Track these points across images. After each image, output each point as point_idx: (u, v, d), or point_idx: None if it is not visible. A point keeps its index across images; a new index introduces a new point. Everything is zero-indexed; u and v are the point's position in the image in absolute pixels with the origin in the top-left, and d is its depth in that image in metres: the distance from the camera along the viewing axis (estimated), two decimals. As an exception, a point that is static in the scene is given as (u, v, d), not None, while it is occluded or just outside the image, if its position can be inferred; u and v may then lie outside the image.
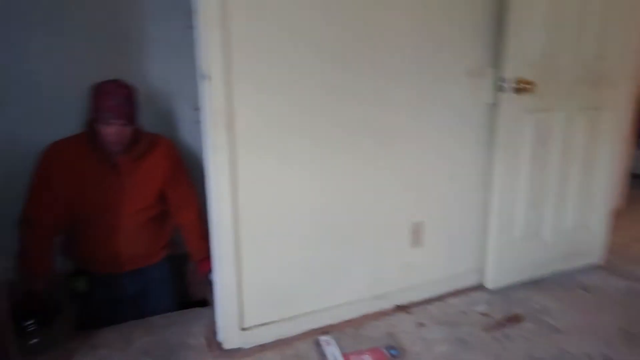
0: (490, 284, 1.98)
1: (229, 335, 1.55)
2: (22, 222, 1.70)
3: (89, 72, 1.90)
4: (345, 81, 1.56)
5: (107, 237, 1.83)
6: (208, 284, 2.05)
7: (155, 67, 2.20)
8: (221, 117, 1.36)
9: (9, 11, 1.91)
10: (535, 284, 2.02)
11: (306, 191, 1.58)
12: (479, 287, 2.00)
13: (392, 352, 1.55)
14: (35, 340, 1.57)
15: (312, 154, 1.56)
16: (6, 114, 1.96)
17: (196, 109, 2.26)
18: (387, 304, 1.83)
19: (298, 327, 1.65)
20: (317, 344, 1.59)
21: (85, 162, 1.74)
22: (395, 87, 1.66)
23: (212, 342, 1.59)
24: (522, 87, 1.77)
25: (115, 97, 1.68)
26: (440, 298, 1.93)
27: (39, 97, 1.99)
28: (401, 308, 1.85)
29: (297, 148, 1.53)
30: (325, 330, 1.68)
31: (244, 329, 1.57)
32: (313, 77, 1.50)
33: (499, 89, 1.79)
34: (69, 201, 1.74)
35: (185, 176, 2.03)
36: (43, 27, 1.98)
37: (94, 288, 1.88)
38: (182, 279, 2.23)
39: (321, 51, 1.50)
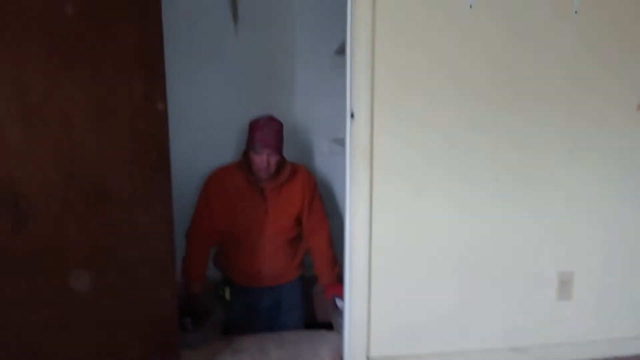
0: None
1: (355, 363, 1.58)
2: (188, 234, 2.02)
3: (247, 107, 2.22)
4: (490, 118, 1.52)
5: (250, 254, 2.05)
6: (334, 308, 2.13)
7: (299, 104, 2.43)
8: (362, 151, 1.44)
9: (190, 51, 2.32)
10: None
11: (443, 229, 1.55)
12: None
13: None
14: (190, 336, 1.83)
15: (452, 192, 1.54)
16: (182, 142, 2.36)
17: (332, 141, 2.46)
18: (525, 359, 1.65)
19: (425, 367, 1.60)
20: (445, 389, 1.52)
21: (238, 186, 2.01)
22: (545, 127, 1.55)
23: (338, 366, 1.63)
24: None
25: (266, 130, 1.93)
26: (594, 363, 1.66)
27: (209, 128, 2.36)
28: (544, 366, 1.65)
29: (435, 185, 1.53)
30: (453, 375, 1.59)
31: (370, 359, 1.58)
32: (455, 114, 1.50)
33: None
34: (223, 219, 2.02)
35: (320, 204, 2.17)
36: (213, 66, 2.35)
37: (235, 297, 2.11)
38: (309, 300, 2.36)
39: (465, 86, 1.49)
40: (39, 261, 0.98)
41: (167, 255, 1.35)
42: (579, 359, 1.67)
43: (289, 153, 2.11)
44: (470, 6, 1.42)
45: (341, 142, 1.62)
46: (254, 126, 1.96)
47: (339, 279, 2.13)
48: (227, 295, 2.12)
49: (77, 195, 1.05)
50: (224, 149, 2.27)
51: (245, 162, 2.00)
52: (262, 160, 1.92)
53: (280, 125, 2.00)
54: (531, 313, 1.65)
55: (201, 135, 2.34)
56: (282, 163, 2.02)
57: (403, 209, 1.52)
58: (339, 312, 2.02)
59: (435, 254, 1.56)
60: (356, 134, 1.43)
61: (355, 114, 1.42)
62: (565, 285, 1.63)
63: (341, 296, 2.14)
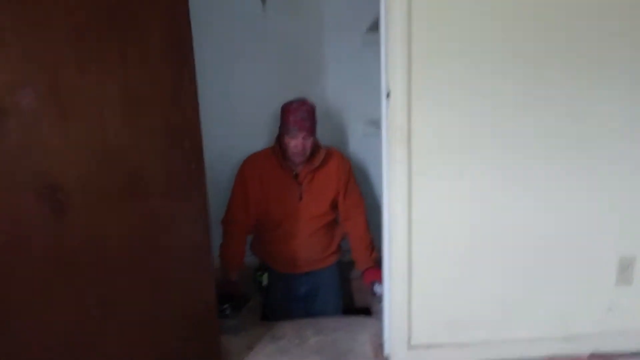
0: None
1: (396, 350, 1.53)
2: (224, 222, 2.03)
3: (278, 92, 2.17)
4: (542, 88, 1.39)
5: (286, 240, 2.03)
6: (373, 294, 2.09)
7: (331, 85, 2.36)
8: (400, 133, 1.36)
9: (219, 35, 2.28)
10: None
11: (489, 211, 1.46)
12: None
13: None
14: (229, 322, 1.85)
15: (499, 171, 1.44)
16: (214, 129, 2.36)
17: (366, 122, 2.38)
18: (580, 349, 1.55)
19: (469, 355, 1.54)
20: (492, 379, 1.45)
21: (272, 172, 1.99)
22: (608, 95, 1.40)
23: (379, 353, 1.60)
24: None
25: (299, 113, 1.89)
26: (657, 353, 1.54)
27: (240, 115, 2.35)
28: (600, 357, 1.54)
29: (479, 164, 1.43)
30: (500, 365, 1.52)
31: (411, 347, 1.54)
32: (502, 86, 1.38)
33: None
34: (258, 206, 2.01)
35: (356, 188, 2.14)
36: (242, 50, 2.30)
37: (273, 284, 2.12)
38: (347, 285, 2.33)
39: (513, 54, 1.37)
40: (80, 251, 0.99)
41: (203, 243, 1.35)
42: (638, 349, 1.56)
43: (321, 137, 2.06)
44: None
45: (376, 123, 1.55)
46: (287, 110, 1.92)
47: (376, 264, 2.10)
48: (265, 281, 2.13)
49: (114, 186, 1.05)
50: (256, 134, 2.25)
51: (278, 148, 1.98)
52: (297, 144, 1.89)
53: (313, 108, 1.95)
54: (586, 300, 1.54)
55: (233, 122, 2.33)
56: (315, 147, 1.99)
57: (445, 191, 1.43)
58: (377, 298, 1.98)
59: (480, 237, 1.47)
60: (393, 114, 1.35)
61: (392, 93, 1.34)
62: (625, 271, 1.51)
63: (379, 281, 2.11)
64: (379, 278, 2.12)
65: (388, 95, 1.35)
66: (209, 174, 2.06)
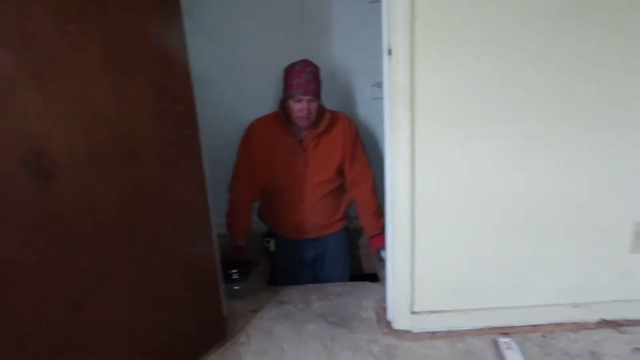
0: None
1: (399, 316, 1.53)
2: (230, 189, 2.02)
3: (282, 53, 2.10)
4: (556, 45, 1.28)
5: (293, 206, 2.02)
6: (379, 260, 2.08)
7: (337, 46, 2.26)
8: (402, 93, 1.29)
9: (226, 1, 2.21)
10: None
11: (497, 174, 1.39)
12: None
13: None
14: (237, 287, 1.88)
15: (506, 133, 1.35)
16: (217, 93, 2.31)
17: (374, 85, 2.29)
18: (589, 316, 1.51)
19: (473, 322, 1.52)
20: (495, 345, 1.43)
21: (277, 137, 1.94)
22: (628, 54, 1.29)
23: (382, 319, 1.60)
24: None
25: (303, 75, 1.82)
26: (670, 321, 1.49)
27: (243, 77, 2.28)
28: (610, 324, 1.50)
29: (487, 126, 1.35)
30: (505, 331, 1.50)
31: (414, 312, 1.53)
32: (512, 43, 1.28)
33: None
34: (264, 172, 1.98)
35: (363, 153, 2.07)
36: (247, 15, 2.23)
37: (280, 249, 2.12)
38: (355, 252, 2.33)
39: (525, 7, 1.26)
40: (71, 219, 0.98)
41: (201, 210, 1.35)
42: (650, 317, 1.51)
43: (328, 100, 2.00)
44: None
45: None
46: (290, 72, 1.85)
47: (383, 231, 2.09)
48: (272, 247, 2.14)
49: (103, 152, 1.03)
50: (261, 98, 2.20)
51: (282, 112, 1.92)
52: (302, 107, 1.83)
53: (317, 70, 1.88)
54: (598, 267, 1.48)
55: (237, 86, 2.28)
56: (321, 111, 1.92)
57: (450, 155, 1.37)
58: (383, 264, 1.97)
59: (486, 203, 1.42)
60: (394, 73, 1.27)
61: (393, 50, 1.26)
62: (641, 237, 1.44)
63: (385, 248, 2.10)
64: (384, 245, 2.11)
65: (390, 52, 1.27)
66: (213, 139, 2.05)
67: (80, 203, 0.99)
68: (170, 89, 1.16)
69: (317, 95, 1.85)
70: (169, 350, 1.31)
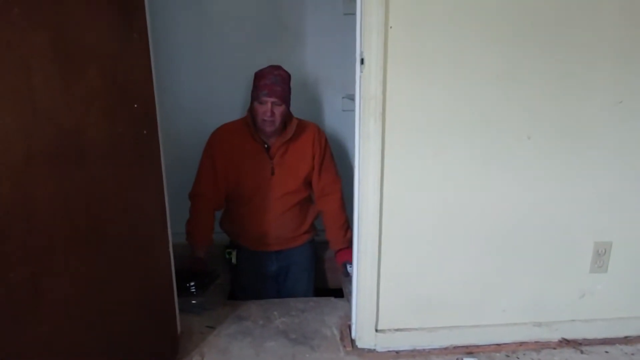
0: None
1: (363, 334, 1.48)
2: (190, 195, 1.92)
3: (254, 60, 2.04)
4: (524, 64, 1.30)
5: (257, 216, 1.94)
6: (345, 275, 2.03)
7: (310, 56, 2.24)
8: (373, 103, 1.26)
9: (197, 6, 2.14)
10: None
11: (463, 193, 1.39)
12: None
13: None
14: (194, 301, 1.77)
15: (475, 150, 1.35)
16: (187, 100, 2.23)
17: (345, 97, 2.27)
18: (551, 335, 1.52)
19: (438, 341, 1.49)
20: (460, 365, 1.41)
21: (243, 144, 1.87)
22: (591, 74, 1.33)
23: (346, 336, 1.54)
24: None
25: (270, 77, 1.78)
26: (627, 341, 1.52)
27: (213, 84, 2.21)
28: (570, 343, 1.51)
29: (456, 142, 1.34)
30: (470, 350, 1.48)
31: (378, 330, 1.48)
32: (482, 59, 1.29)
33: None
34: (228, 180, 1.90)
35: (331, 163, 2.03)
36: (220, 19, 2.16)
37: (242, 261, 2.03)
38: (320, 265, 2.27)
39: (494, 26, 1.27)
40: (5, 222, 0.87)
41: (157, 216, 1.25)
42: (610, 337, 1.53)
43: (298, 110, 1.95)
44: None
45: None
46: (259, 74, 1.82)
47: (350, 245, 2.04)
48: (234, 259, 2.04)
49: (45, 149, 0.93)
50: (230, 105, 2.14)
51: (250, 118, 1.86)
52: (266, 110, 1.76)
53: (286, 75, 1.83)
54: (560, 286, 1.49)
55: (206, 92, 2.20)
56: (289, 118, 1.87)
57: (419, 169, 1.35)
58: (350, 279, 1.92)
59: (453, 219, 1.40)
60: (366, 83, 1.25)
61: (366, 59, 1.23)
62: (600, 257, 1.46)
63: (351, 262, 2.05)
64: (351, 259, 2.06)
65: (362, 61, 1.24)
66: (178, 143, 1.96)
67: (13, 206, 0.89)
68: (127, 86, 1.07)
69: (283, 99, 1.79)
70: (113, 371, 1.20)
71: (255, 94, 1.79)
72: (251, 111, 1.84)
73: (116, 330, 1.18)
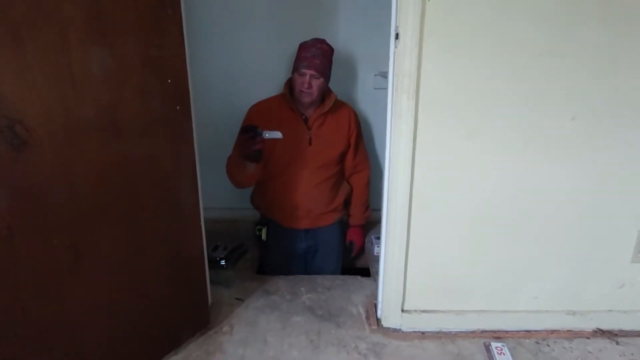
0: None
1: (389, 313, 1.48)
2: (227, 163, 1.89)
3: (285, 37, 2.03)
4: (572, 42, 1.21)
5: (291, 188, 1.94)
6: (349, 250, 2.11)
7: (342, 31, 2.18)
8: (407, 80, 1.22)
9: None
10: None
11: (497, 174, 1.33)
12: None
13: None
14: (224, 274, 1.82)
15: (511, 131, 1.29)
16: (219, 75, 2.24)
17: (378, 74, 2.21)
18: (585, 324, 1.47)
19: (465, 324, 1.47)
20: (487, 349, 1.39)
21: (281, 114, 1.88)
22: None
23: (371, 315, 1.55)
24: None
25: (311, 50, 1.78)
26: (667, 335, 1.45)
27: (244, 60, 2.20)
28: (605, 333, 1.46)
29: (493, 123, 1.28)
30: (498, 335, 1.45)
31: (404, 311, 1.47)
32: (526, 35, 1.21)
33: None
34: (264, 147, 1.88)
35: (362, 143, 2.08)
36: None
37: (272, 238, 2.06)
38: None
39: (537, 3, 1.19)
40: (46, 191, 0.92)
41: (189, 189, 1.28)
42: (645, 328, 1.47)
43: (329, 86, 1.93)
44: None
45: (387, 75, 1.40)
46: (302, 46, 1.83)
47: (363, 226, 2.14)
48: (264, 236, 2.08)
49: (83, 123, 0.96)
50: (261, 82, 2.13)
51: (288, 92, 1.88)
52: (304, 81, 1.78)
53: (329, 49, 1.84)
54: (597, 275, 1.43)
55: (237, 68, 2.20)
56: (327, 92, 1.90)
57: (452, 149, 1.31)
58: (375, 258, 1.92)
59: (486, 203, 1.36)
60: (401, 59, 1.20)
61: (401, 34, 1.18)
62: (644, 247, 1.38)
63: (357, 242, 2.07)
64: (357, 239, 2.09)
65: (397, 36, 1.20)
66: (210, 120, 1.98)
67: (55, 176, 0.92)
68: (160, 60, 1.08)
69: (321, 72, 1.79)
70: (148, 335, 1.26)
71: (296, 65, 1.81)
72: (290, 81, 1.86)
73: (151, 297, 1.23)
